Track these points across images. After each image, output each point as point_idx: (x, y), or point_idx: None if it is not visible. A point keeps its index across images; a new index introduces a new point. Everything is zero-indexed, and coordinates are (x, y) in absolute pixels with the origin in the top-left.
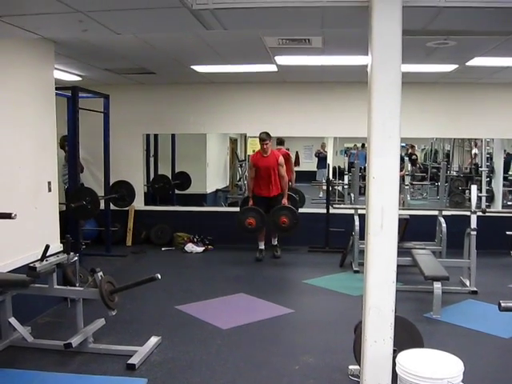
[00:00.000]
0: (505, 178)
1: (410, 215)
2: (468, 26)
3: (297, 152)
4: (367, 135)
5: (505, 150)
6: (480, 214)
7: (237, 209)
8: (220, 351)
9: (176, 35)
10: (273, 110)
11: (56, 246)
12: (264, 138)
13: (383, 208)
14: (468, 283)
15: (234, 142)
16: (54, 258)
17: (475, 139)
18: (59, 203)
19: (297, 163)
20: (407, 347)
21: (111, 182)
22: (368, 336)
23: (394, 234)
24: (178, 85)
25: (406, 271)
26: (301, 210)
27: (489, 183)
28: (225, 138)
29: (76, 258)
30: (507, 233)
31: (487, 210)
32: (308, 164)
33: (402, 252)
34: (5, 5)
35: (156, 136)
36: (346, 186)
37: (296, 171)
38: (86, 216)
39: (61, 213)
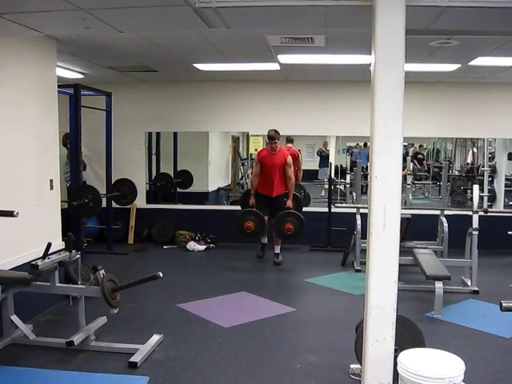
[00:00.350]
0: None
1: (411, 214)
2: (471, 25)
3: (299, 150)
4: (370, 134)
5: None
6: (482, 213)
7: (239, 207)
8: (222, 349)
9: (179, 33)
10: (275, 109)
11: (58, 243)
12: (273, 136)
13: (385, 207)
14: (469, 283)
15: (236, 140)
16: (55, 255)
17: (474, 139)
18: (61, 201)
19: None
20: (408, 346)
21: (113, 180)
22: (370, 335)
23: (396, 234)
24: (181, 83)
25: (408, 270)
26: (303, 209)
27: (491, 183)
28: (227, 137)
29: (78, 256)
30: (509, 233)
31: (489, 209)
32: (310, 163)
33: (403, 251)
34: (8, 2)
35: (158, 134)
36: (347, 185)
37: None
38: (88, 214)
39: (63, 211)
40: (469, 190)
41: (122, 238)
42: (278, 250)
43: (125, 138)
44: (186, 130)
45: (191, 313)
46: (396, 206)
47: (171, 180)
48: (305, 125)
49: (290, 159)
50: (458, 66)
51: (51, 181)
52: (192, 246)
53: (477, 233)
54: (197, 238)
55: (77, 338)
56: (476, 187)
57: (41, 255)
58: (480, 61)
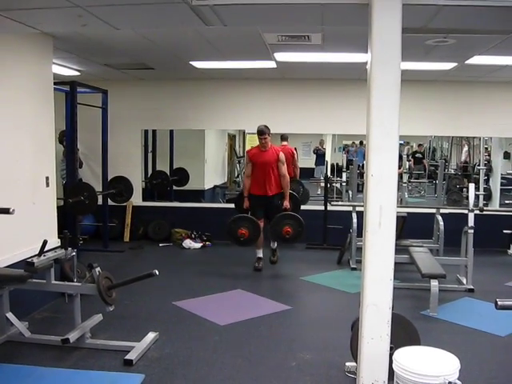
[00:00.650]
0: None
1: (407, 213)
2: (467, 24)
3: (295, 148)
4: (366, 133)
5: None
6: (477, 212)
7: (234, 205)
8: (217, 347)
9: (175, 31)
10: (272, 107)
11: (54, 241)
12: (262, 130)
13: (381, 206)
14: (465, 281)
15: (232, 138)
16: (51, 253)
17: (467, 137)
18: (57, 198)
19: None
20: (404, 344)
21: (109, 178)
22: (365, 333)
23: (392, 232)
24: (177, 81)
25: (403, 269)
26: (301, 207)
27: (486, 182)
28: (223, 135)
29: (74, 254)
30: (504, 231)
31: (485, 208)
32: (306, 161)
33: (399, 249)
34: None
35: (154, 132)
36: (344, 184)
37: None
38: (84, 211)
39: (58, 208)
40: (464, 189)
41: (118, 235)
42: (274, 245)
43: (121, 135)
44: (182, 127)
45: (187, 310)
46: (392, 205)
47: (167, 178)
48: (301, 123)
49: (282, 155)
50: (455, 64)
51: (47, 178)
52: (188, 243)
53: (472, 231)
54: (193, 235)
55: (72, 336)
56: (472, 186)
57: (36, 252)
58: (476, 59)
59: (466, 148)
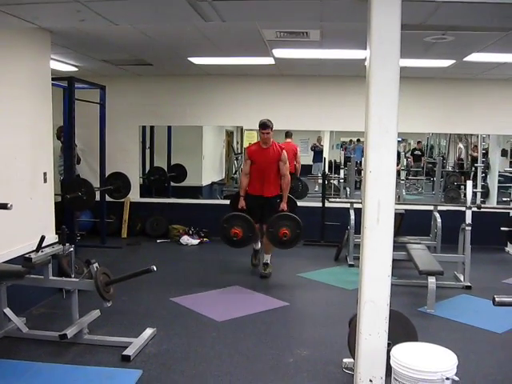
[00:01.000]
0: None
1: (405, 210)
2: (466, 21)
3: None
4: (365, 129)
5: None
6: (475, 209)
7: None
8: (215, 343)
9: (174, 26)
10: (270, 103)
11: (51, 237)
12: (265, 124)
13: (379, 202)
14: (462, 278)
15: (230, 134)
16: (49, 248)
17: (462, 134)
18: (55, 194)
19: None
20: (401, 341)
21: (107, 174)
22: (363, 329)
23: (390, 228)
24: (175, 77)
25: (401, 266)
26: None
27: (484, 179)
28: (221, 131)
29: (71, 249)
30: (502, 228)
31: (482, 205)
32: (304, 158)
33: (396, 246)
34: None
35: (152, 128)
36: (341, 180)
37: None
38: (82, 207)
39: (56, 204)
40: (462, 186)
41: (116, 231)
42: (267, 259)
43: (119, 131)
44: (180, 124)
45: (184, 307)
46: (390, 201)
47: (165, 174)
48: (299, 119)
49: (284, 155)
50: (453, 61)
51: (45, 174)
52: (185, 240)
53: (470, 228)
54: (190, 232)
55: (70, 331)
56: (469, 183)
57: (34, 248)
58: (475, 57)
59: (460, 145)
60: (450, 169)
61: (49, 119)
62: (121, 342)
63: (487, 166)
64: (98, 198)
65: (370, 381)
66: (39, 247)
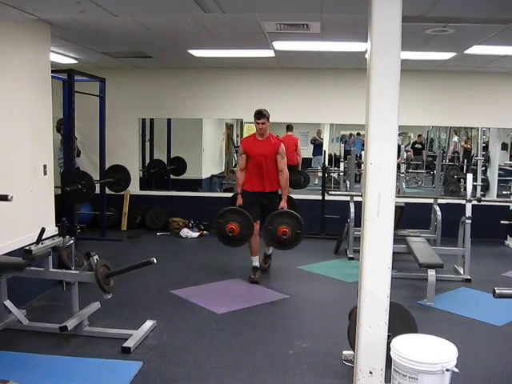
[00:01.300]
0: None
1: (405, 203)
2: (467, 13)
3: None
4: (365, 121)
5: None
6: (475, 202)
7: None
8: (215, 336)
9: (174, 18)
10: (269, 96)
11: (51, 229)
12: (261, 112)
13: (380, 194)
14: (462, 271)
15: (229, 127)
16: (49, 241)
17: (465, 128)
18: (55, 187)
19: None
20: (401, 333)
21: (107, 166)
22: (363, 321)
23: (391, 220)
24: (175, 69)
25: (401, 258)
26: (296, 197)
27: (484, 172)
28: (220, 124)
29: (72, 242)
30: (502, 222)
31: (482, 198)
32: (303, 151)
33: (396, 239)
34: None
35: (152, 121)
36: (341, 174)
37: None
38: (82, 200)
39: (56, 196)
40: (462, 179)
41: (116, 224)
42: (269, 250)
43: (119, 124)
44: (179, 116)
45: (184, 299)
46: (391, 193)
47: (165, 167)
48: (299, 112)
49: (282, 148)
50: (454, 54)
51: (45, 166)
52: (185, 232)
53: (470, 221)
54: (190, 224)
55: (70, 323)
56: (470, 176)
57: (34, 240)
58: (475, 49)
59: (455, 138)
60: (448, 162)
61: (48, 112)
62: (121, 334)
63: (487, 160)
64: (97, 190)
65: (370, 372)
66: (39, 239)
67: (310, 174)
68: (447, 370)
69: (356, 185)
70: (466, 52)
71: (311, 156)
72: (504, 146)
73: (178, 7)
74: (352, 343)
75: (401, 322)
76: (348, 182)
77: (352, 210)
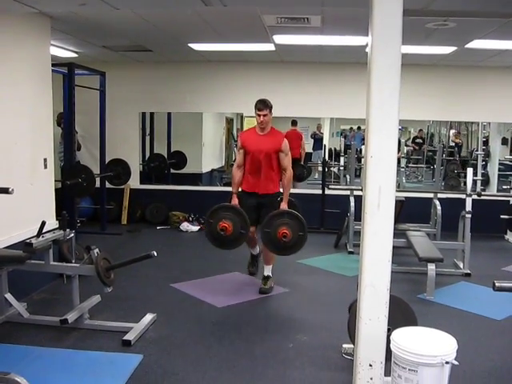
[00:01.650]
0: None
1: (405, 197)
2: (468, 7)
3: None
4: (366, 114)
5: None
6: (475, 197)
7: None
8: (215, 329)
9: (174, 12)
10: (270, 90)
11: (52, 222)
12: (264, 102)
13: (380, 187)
14: (462, 265)
15: (230, 121)
16: (50, 234)
17: (465, 123)
18: (55, 180)
19: None
20: (401, 326)
21: (107, 160)
22: (363, 314)
23: (391, 214)
24: (175, 63)
25: (401, 253)
26: (296, 191)
27: (484, 167)
28: (221, 118)
29: (72, 235)
30: (502, 216)
31: (482, 193)
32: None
33: (396, 233)
34: None
35: (152, 114)
36: (341, 168)
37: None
38: (82, 193)
39: (56, 190)
40: (462, 174)
41: (116, 218)
42: (268, 271)
43: (119, 118)
44: (180, 110)
45: (185, 292)
46: (391, 186)
47: (165, 161)
48: (299, 106)
49: (286, 144)
50: (454, 48)
51: (45, 160)
52: (185, 226)
53: (470, 216)
54: (190, 218)
55: (71, 316)
56: (470, 170)
57: (35, 234)
58: (476, 43)
59: (452, 131)
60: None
61: (49, 105)
62: (121, 327)
63: (487, 154)
64: (98, 184)
65: (370, 365)
66: (40, 233)
67: (311, 169)
68: (447, 363)
69: (356, 179)
70: (466, 46)
71: (311, 150)
72: (504, 141)
73: (178, 0)
74: (352, 336)
75: (401, 315)
76: (348, 177)
77: (352, 204)
